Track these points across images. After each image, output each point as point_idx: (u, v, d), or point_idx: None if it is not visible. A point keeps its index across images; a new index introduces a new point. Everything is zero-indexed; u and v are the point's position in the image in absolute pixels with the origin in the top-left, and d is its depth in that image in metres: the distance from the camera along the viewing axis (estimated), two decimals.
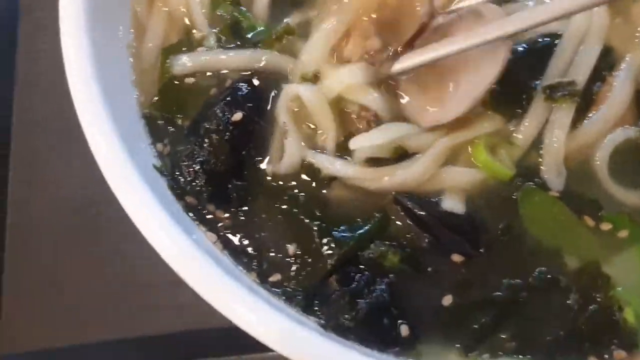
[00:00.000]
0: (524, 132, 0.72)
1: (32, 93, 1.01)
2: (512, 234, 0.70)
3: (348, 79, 0.72)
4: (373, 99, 0.72)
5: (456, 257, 0.68)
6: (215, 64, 0.76)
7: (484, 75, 0.69)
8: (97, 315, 0.87)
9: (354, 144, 0.70)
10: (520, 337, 0.65)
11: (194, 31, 0.80)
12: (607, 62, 0.74)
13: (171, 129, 0.74)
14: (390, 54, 0.72)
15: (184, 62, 0.76)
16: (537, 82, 0.72)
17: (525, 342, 0.65)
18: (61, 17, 0.71)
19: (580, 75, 0.72)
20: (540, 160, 0.72)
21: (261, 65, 0.76)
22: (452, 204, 0.70)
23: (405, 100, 0.74)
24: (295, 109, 0.73)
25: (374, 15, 0.74)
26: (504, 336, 0.65)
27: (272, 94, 0.75)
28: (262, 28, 0.78)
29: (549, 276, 0.68)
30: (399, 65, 0.72)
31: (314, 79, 0.74)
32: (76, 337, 0.87)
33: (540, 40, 0.74)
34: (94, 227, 0.91)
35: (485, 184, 0.71)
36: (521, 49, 0.73)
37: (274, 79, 0.76)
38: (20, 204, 0.94)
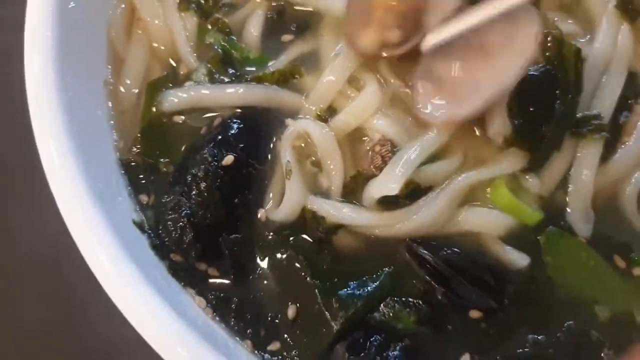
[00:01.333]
0: (548, 172, 0.66)
1: None
2: (536, 283, 0.63)
3: (365, 112, 0.67)
4: (389, 125, 0.67)
5: (475, 313, 0.61)
6: (209, 100, 0.69)
7: (507, 69, 0.62)
8: None
9: (376, 191, 0.63)
10: None
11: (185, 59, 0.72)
12: (633, 89, 0.69)
13: (154, 177, 0.67)
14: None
15: (175, 98, 0.69)
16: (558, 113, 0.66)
17: None
18: (26, 53, 0.63)
19: (606, 106, 0.67)
20: (565, 200, 0.65)
21: (260, 101, 0.69)
22: (516, 257, 0.63)
23: (419, 98, 0.66)
24: (302, 145, 0.67)
25: (394, 3, 0.67)
26: None
27: (269, 131, 0.69)
28: (254, 59, 0.72)
29: (578, 330, 0.62)
30: (431, 39, 0.64)
31: (328, 112, 0.68)
32: None
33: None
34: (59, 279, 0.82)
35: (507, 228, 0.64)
36: (539, 74, 0.66)
37: (271, 116, 0.69)
38: None
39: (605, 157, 0.67)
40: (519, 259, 0.63)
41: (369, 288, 0.61)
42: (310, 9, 0.74)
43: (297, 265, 0.62)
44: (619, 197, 0.67)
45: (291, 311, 0.60)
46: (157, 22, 0.73)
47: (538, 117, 0.65)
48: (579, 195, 0.65)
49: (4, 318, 0.83)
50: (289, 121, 0.68)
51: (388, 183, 0.62)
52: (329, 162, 0.66)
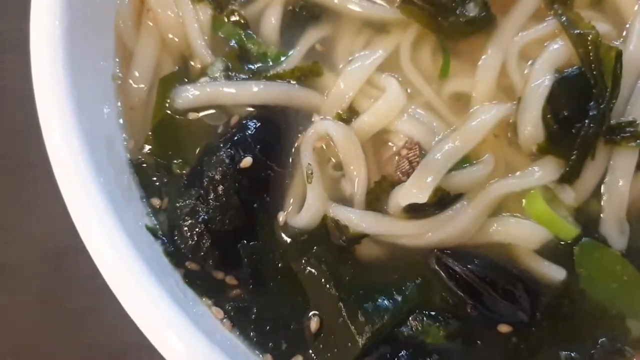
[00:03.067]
0: (582, 181, 0.64)
1: None
2: (568, 297, 0.61)
3: (390, 113, 0.64)
4: (416, 128, 0.64)
5: (505, 327, 0.59)
6: (226, 97, 0.66)
7: None
8: None
9: (403, 199, 0.60)
10: None
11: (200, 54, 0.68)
12: None
13: (167, 179, 0.63)
14: None
15: (190, 95, 0.65)
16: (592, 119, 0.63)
17: None
18: (33, 45, 0.59)
19: None
20: (599, 210, 0.63)
21: (280, 99, 0.65)
22: (552, 270, 0.61)
23: None
24: (323, 146, 0.64)
25: None
26: None
27: (288, 132, 0.66)
28: (273, 55, 0.68)
29: (612, 347, 0.60)
30: None
31: (349, 113, 0.65)
32: None
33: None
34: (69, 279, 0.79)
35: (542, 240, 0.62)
36: (574, 77, 0.64)
37: (290, 115, 0.66)
38: None
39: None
40: (555, 273, 0.61)
41: (396, 301, 0.58)
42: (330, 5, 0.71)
43: (320, 275, 0.59)
44: None
45: (314, 323, 0.58)
46: (168, 13, 0.69)
47: (572, 124, 0.63)
48: (614, 205, 0.63)
49: (6, 316, 0.80)
50: (315, 118, 0.65)
51: (416, 190, 0.60)
52: (352, 166, 0.63)
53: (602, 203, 0.64)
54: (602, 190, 0.64)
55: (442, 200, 0.62)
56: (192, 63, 0.69)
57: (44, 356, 0.80)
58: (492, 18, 0.67)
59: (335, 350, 0.56)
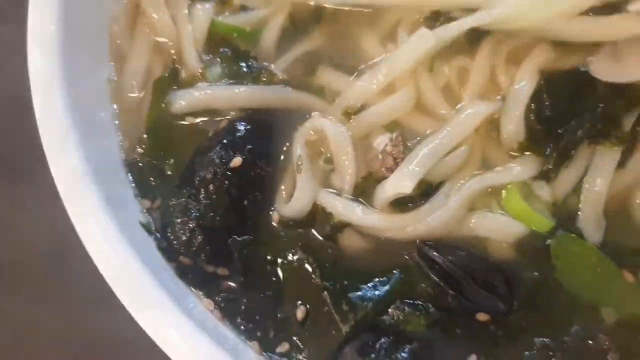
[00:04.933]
0: (563, 179, 0.67)
1: None
2: (545, 287, 0.65)
3: (393, 114, 0.68)
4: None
5: (483, 316, 0.63)
6: (221, 101, 0.69)
7: None
8: None
9: (388, 191, 0.64)
10: None
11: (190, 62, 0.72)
12: None
13: (160, 179, 0.68)
14: None
15: (185, 100, 0.69)
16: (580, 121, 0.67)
17: None
18: (29, 48, 0.63)
19: (628, 115, 0.67)
20: (577, 206, 0.67)
21: (273, 102, 0.70)
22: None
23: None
24: (315, 140, 0.68)
25: None
26: None
27: (281, 131, 0.70)
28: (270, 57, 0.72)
29: (586, 334, 0.63)
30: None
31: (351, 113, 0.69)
32: None
33: (581, 69, 0.67)
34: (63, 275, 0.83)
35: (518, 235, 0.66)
36: (558, 79, 0.68)
37: (283, 115, 0.70)
38: None
39: (620, 162, 0.67)
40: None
41: (379, 291, 0.63)
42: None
43: (307, 266, 0.64)
44: (630, 203, 0.68)
45: (300, 313, 0.62)
46: (162, 16, 0.73)
47: (556, 124, 0.66)
48: (592, 202, 0.66)
49: (7, 314, 0.84)
50: (314, 114, 0.69)
51: (401, 181, 0.64)
52: (342, 161, 0.67)
53: (580, 199, 0.67)
54: (581, 188, 0.67)
55: (426, 192, 0.66)
56: (186, 67, 0.72)
57: (40, 353, 0.84)
58: None
59: (321, 337, 0.61)
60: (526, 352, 0.62)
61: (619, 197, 0.68)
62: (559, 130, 0.66)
